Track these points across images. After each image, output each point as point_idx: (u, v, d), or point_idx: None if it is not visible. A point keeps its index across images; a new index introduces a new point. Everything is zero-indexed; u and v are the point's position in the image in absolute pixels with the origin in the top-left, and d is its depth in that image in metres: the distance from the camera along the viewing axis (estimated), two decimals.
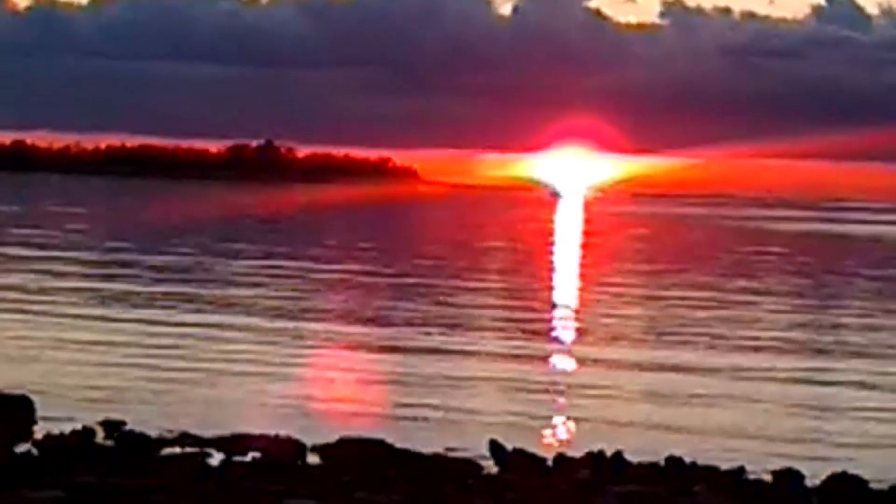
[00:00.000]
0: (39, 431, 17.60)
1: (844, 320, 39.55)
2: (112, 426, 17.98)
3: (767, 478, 16.39)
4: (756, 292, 47.83)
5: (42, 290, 40.46)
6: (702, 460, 17.05)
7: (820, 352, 31.31)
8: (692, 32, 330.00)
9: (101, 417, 18.31)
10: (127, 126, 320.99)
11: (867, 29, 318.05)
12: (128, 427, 17.98)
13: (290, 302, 38.61)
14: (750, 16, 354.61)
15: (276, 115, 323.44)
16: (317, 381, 23.88)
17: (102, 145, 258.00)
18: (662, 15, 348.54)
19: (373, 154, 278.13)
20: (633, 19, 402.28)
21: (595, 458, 16.99)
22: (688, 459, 17.00)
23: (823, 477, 16.25)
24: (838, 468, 16.58)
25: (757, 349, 30.15)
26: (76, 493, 12.75)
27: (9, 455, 16.22)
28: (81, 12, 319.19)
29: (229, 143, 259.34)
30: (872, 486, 15.93)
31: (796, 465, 16.73)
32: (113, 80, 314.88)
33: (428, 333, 31.45)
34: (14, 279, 44.25)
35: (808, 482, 16.18)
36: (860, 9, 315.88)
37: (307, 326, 32.62)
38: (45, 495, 12.65)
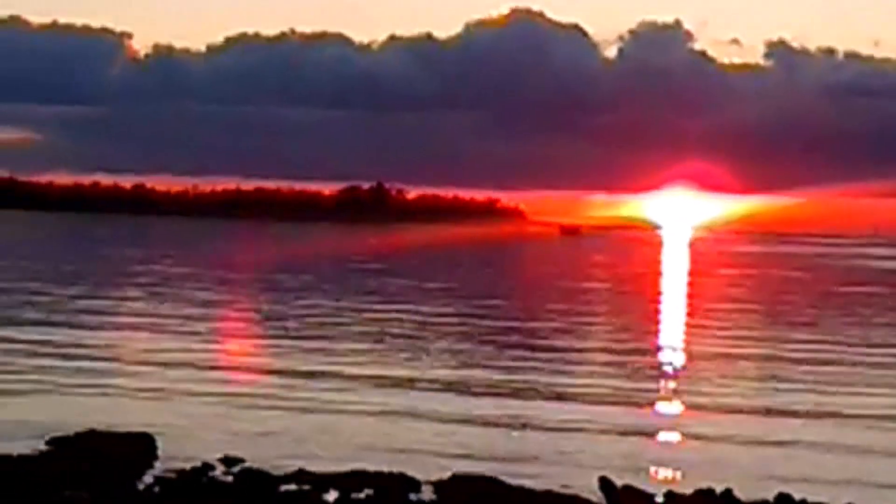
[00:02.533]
0: (161, 468, 17.77)
1: None
2: (231, 462, 18.11)
3: None
4: (862, 335, 47.33)
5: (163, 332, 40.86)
6: (811, 498, 16.94)
7: None
8: (796, 73, 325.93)
9: (220, 454, 18.46)
10: (242, 169, 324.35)
11: None
12: (246, 464, 18.11)
13: (400, 343, 38.66)
14: (854, 56, 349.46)
15: (386, 158, 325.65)
16: (425, 420, 23.94)
17: (219, 188, 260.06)
18: (767, 56, 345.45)
19: (481, 195, 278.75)
20: (737, 60, 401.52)
21: (705, 494, 16.92)
22: (797, 496, 16.92)
23: None
24: None
25: (861, 392, 29.85)
26: None
27: (132, 492, 16.44)
28: (197, 59, 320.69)
29: (341, 185, 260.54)
30: None
31: None
32: (228, 124, 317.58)
33: (536, 376, 31.40)
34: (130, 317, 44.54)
35: None
36: None
37: (415, 370, 32.61)
38: None
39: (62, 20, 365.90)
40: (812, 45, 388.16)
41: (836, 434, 23.35)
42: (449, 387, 28.38)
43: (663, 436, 22.95)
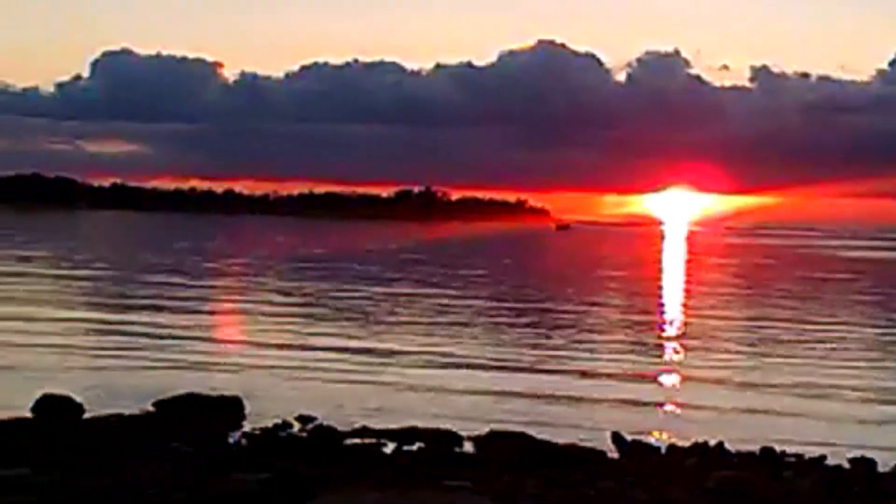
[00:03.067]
0: (248, 425, 17.84)
1: None
2: (306, 420, 18.17)
3: (846, 464, 16.22)
4: (830, 313, 47.07)
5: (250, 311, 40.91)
6: (790, 450, 16.91)
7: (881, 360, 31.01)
8: (776, 93, 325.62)
9: (296, 414, 18.52)
10: (314, 175, 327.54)
11: None
12: (318, 421, 18.15)
13: (442, 322, 38.79)
14: (824, 78, 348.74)
15: (433, 165, 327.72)
16: (463, 387, 23.96)
17: (294, 191, 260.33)
18: (752, 79, 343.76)
19: (512, 196, 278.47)
20: (727, 82, 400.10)
21: (701, 447, 16.96)
22: (779, 449, 16.90)
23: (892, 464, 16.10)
24: None
25: (833, 364, 29.65)
26: (280, 476, 12.86)
27: (224, 445, 16.47)
28: (277, 84, 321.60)
29: (396, 188, 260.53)
30: None
31: (869, 454, 16.56)
32: (302, 137, 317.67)
33: (554, 352, 31.33)
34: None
35: (880, 468, 16.00)
36: None
37: (456, 347, 32.58)
38: (254, 477, 12.77)
39: (165, 52, 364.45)
40: (790, 70, 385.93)
41: (811, 403, 23.19)
42: (482, 360, 28.34)
43: (665, 402, 22.93)
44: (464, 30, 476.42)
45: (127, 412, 17.79)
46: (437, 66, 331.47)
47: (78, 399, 18.03)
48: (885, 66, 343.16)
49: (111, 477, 12.98)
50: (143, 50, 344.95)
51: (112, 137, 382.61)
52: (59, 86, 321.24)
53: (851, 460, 16.26)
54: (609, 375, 25.87)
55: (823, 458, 16.47)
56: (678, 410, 21.62)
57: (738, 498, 12.85)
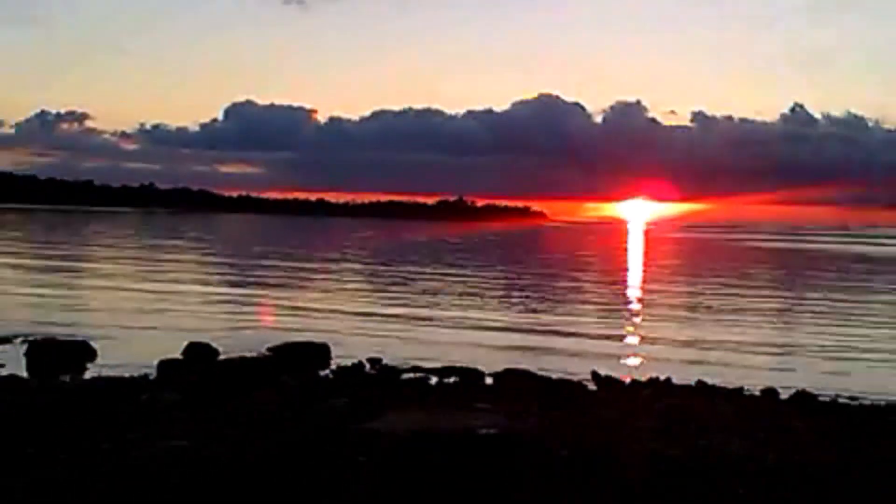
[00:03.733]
0: (334, 365, 17.83)
1: (805, 300, 38.71)
2: (374, 361, 18.17)
3: (757, 393, 16.16)
4: (753, 286, 46.95)
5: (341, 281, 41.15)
6: (719, 383, 16.84)
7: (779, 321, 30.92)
8: (708, 130, 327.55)
9: (367, 356, 18.54)
10: (381, 188, 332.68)
11: (815, 126, 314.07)
12: (383, 361, 18.17)
13: (466, 293, 38.75)
14: (743, 120, 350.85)
15: (463, 181, 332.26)
16: (485, 341, 23.96)
17: (367, 200, 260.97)
18: (691, 120, 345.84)
19: (520, 203, 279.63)
20: (674, 123, 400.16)
21: (654, 381, 16.92)
22: (710, 382, 16.83)
23: (790, 393, 16.03)
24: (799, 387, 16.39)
25: (747, 323, 29.70)
26: (357, 401, 12.86)
27: (318, 378, 16.48)
28: (355, 124, 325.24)
29: (438, 198, 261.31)
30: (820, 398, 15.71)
31: (774, 385, 16.56)
32: (372, 162, 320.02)
33: (543, 316, 31.34)
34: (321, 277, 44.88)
35: (781, 396, 15.97)
36: (810, 114, 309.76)
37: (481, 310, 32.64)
38: (339, 401, 12.77)
39: (277, 102, 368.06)
40: (719, 113, 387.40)
41: (730, 353, 23.13)
42: (496, 321, 28.39)
43: (628, 352, 22.88)
44: (486, 85, 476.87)
45: (249, 355, 17.82)
46: (468, 111, 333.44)
47: (214, 345, 18.10)
48: (786, 111, 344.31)
49: (240, 400, 13.04)
50: (260, 100, 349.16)
51: (239, 162, 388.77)
52: (202, 126, 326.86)
53: (762, 391, 16.24)
54: (588, 335, 25.81)
55: (741, 389, 16.40)
56: (638, 357, 21.50)
57: (680, 417, 12.73)
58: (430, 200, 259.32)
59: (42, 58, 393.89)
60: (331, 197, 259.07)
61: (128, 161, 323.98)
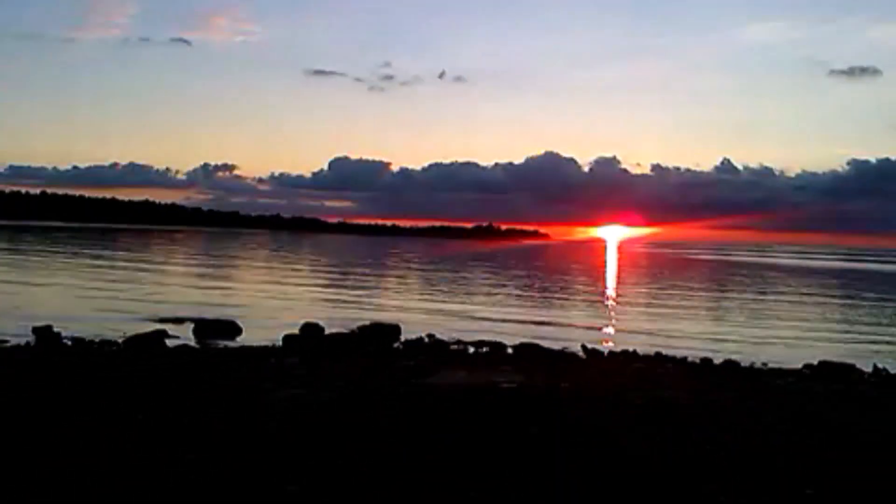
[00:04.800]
0: (402, 338, 17.88)
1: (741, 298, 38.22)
2: (430, 336, 18.18)
3: (697, 361, 16.02)
4: (693, 287, 46.45)
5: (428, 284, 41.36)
6: (671, 354, 16.72)
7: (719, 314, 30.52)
8: (664, 177, 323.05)
9: (426, 333, 18.57)
10: (434, 216, 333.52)
11: (738, 174, 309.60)
12: (436, 336, 18.17)
13: (493, 281, 38.79)
14: (687, 169, 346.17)
15: (493, 212, 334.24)
16: (506, 323, 23.88)
17: (425, 225, 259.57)
18: (652, 170, 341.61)
19: (531, 227, 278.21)
20: (639, 172, 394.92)
21: (625, 353, 16.82)
22: (664, 353, 16.71)
23: (720, 361, 15.90)
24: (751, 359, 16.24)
25: (696, 315, 29.32)
26: (419, 363, 12.95)
27: (391, 348, 16.51)
28: (417, 173, 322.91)
29: (473, 223, 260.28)
30: (742, 365, 15.55)
31: (735, 358, 16.37)
32: (428, 200, 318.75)
33: (550, 302, 31.21)
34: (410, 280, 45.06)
35: (715, 362, 15.84)
36: (735, 166, 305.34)
37: (507, 301, 32.54)
38: (407, 363, 12.87)
39: (364, 157, 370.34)
40: (671, 164, 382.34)
41: (680, 338, 22.93)
42: (512, 312, 28.28)
43: (606, 332, 22.74)
44: (508, 145, 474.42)
45: (345, 331, 17.94)
46: (496, 163, 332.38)
47: (322, 324, 18.23)
48: (718, 163, 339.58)
49: (342, 363, 13.16)
50: (353, 156, 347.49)
51: (338, 199, 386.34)
52: (313, 173, 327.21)
53: (701, 359, 16.10)
54: (578, 318, 25.83)
55: (685, 358, 16.27)
56: (614, 339, 21.33)
57: (644, 377, 12.71)
58: (469, 225, 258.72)
59: (205, 122, 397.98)
60: (400, 223, 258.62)
61: (262, 198, 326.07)
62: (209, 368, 11.94)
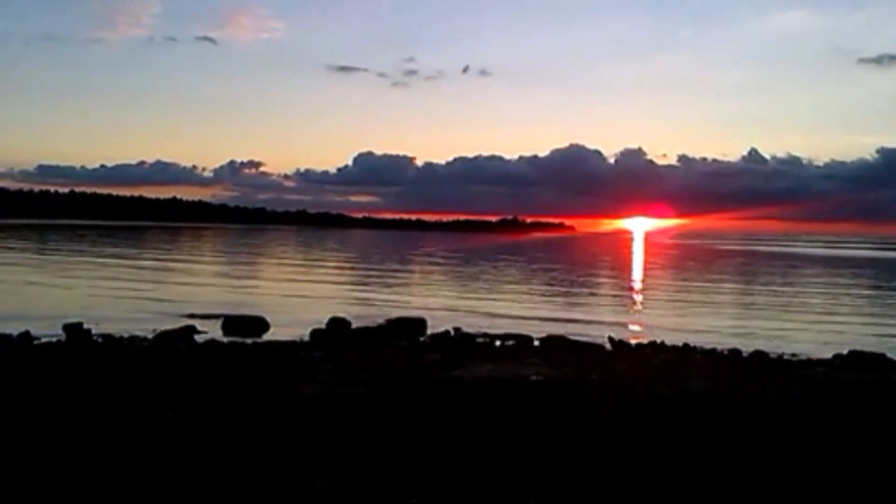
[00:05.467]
0: (429, 332, 17.90)
1: (767, 293, 37.80)
2: (457, 330, 18.16)
3: (726, 352, 15.91)
4: (721, 279, 46.06)
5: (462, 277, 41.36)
6: (699, 345, 16.62)
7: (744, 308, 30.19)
8: (690, 168, 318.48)
9: (452, 327, 18.57)
10: (460, 210, 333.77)
11: (765, 163, 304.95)
12: (462, 330, 18.15)
13: (519, 274, 38.68)
14: (714, 160, 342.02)
15: (518, 205, 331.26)
16: (529, 319, 23.83)
17: (450, 219, 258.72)
18: (678, 161, 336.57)
19: (555, 220, 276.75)
20: (665, 163, 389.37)
21: (653, 343, 16.74)
22: (692, 344, 16.62)
23: (749, 352, 15.75)
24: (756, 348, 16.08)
25: (721, 310, 29.07)
26: (445, 355, 12.95)
27: (419, 342, 16.53)
28: (443, 167, 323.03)
29: (499, 217, 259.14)
30: (770, 356, 15.39)
31: (763, 349, 16.23)
32: (457, 194, 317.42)
33: (576, 294, 31.08)
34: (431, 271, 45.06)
35: (744, 354, 15.71)
36: (762, 155, 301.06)
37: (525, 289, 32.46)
38: (433, 356, 12.88)
39: (390, 152, 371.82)
40: (697, 155, 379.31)
41: (710, 325, 22.77)
42: (538, 300, 28.20)
43: (633, 324, 22.65)
44: (533, 138, 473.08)
45: (374, 325, 18.01)
46: (520, 157, 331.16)
47: (348, 319, 18.31)
48: (745, 153, 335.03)
49: (368, 357, 13.21)
50: (377, 151, 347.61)
51: (362, 194, 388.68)
52: (338, 169, 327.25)
53: (729, 350, 15.97)
54: (605, 310, 25.75)
55: (714, 349, 16.17)
56: (641, 331, 21.17)
57: (672, 369, 12.63)
58: (494, 219, 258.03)
59: (231, 120, 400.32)
60: (425, 217, 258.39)
61: (287, 194, 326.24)
62: (238, 364, 12.03)
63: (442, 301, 26.86)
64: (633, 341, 17.48)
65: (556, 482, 6.08)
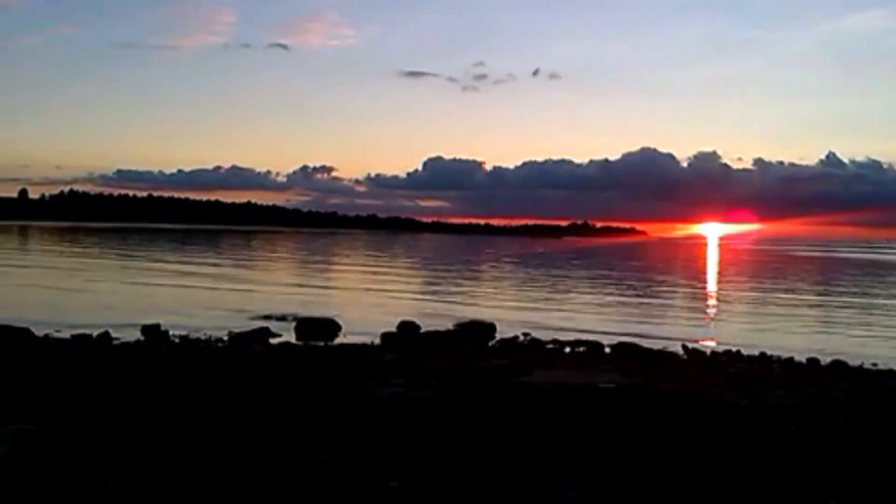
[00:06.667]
0: (497, 336, 17.82)
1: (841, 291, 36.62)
2: (526, 335, 18.07)
3: (804, 362, 15.44)
4: (798, 288, 44.78)
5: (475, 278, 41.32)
6: (776, 354, 16.18)
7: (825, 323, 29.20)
8: (766, 172, 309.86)
9: (522, 331, 18.45)
10: (529, 214, 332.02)
11: (844, 168, 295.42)
12: (531, 335, 18.03)
13: (589, 280, 38.19)
14: (791, 164, 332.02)
15: (588, 210, 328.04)
16: (597, 331, 23.55)
17: (519, 223, 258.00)
18: (754, 164, 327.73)
19: (626, 225, 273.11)
20: (740, 167, 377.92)
21: (728, 353, 16.29)
22: (769, 353, 16.18)
23: (828, 361, 15.26)
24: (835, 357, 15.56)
25: (793, 308, 28.20)
26: (513, 361, 12.90)
27: (485, 346, 16.45)
28: (511, 171, 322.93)
29: (568, 221, 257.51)
30: (850, 365, 14.90)
31: (842, 358, 15.69)
32: (523, 197, 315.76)
33: (649, 299, 30.56)
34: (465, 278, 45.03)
35: (822, 363, 15.23)
36: (840, 159, 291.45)
37: (600, 292, 32.10)
38: (501, 362, 12.83)
39: (459, 156, 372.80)
40: (774, 159, 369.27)
41: (785, 335, 22.21)
42: (609, 306, 27.90)
43: (708, 331, 22.20)
44: (604, 141, 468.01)
45: (443, 328, 18.06)
46: (591, 161, 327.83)
47: (418, 322, 18.40)
48: (822, 157, 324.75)
49: (438, 360, 13.26)
50: (446, 156, 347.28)
51: (432, 198, 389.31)
52: (408, 174, 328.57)
53: (807, 359, 15.51)
54: (678, 317, 25.31)
55: (791, 358, 15.70)
56: (716, 339, 20.73)
57: (748, 378, 12.33)
58: (564, 223, 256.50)
59: (303, 125, 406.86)
60: (494, 222, 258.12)
61: (359, 199, 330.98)
62: (311, 366, 12.21)
63: (511, 305, 26.78)
64: (708, 350, 17.12)
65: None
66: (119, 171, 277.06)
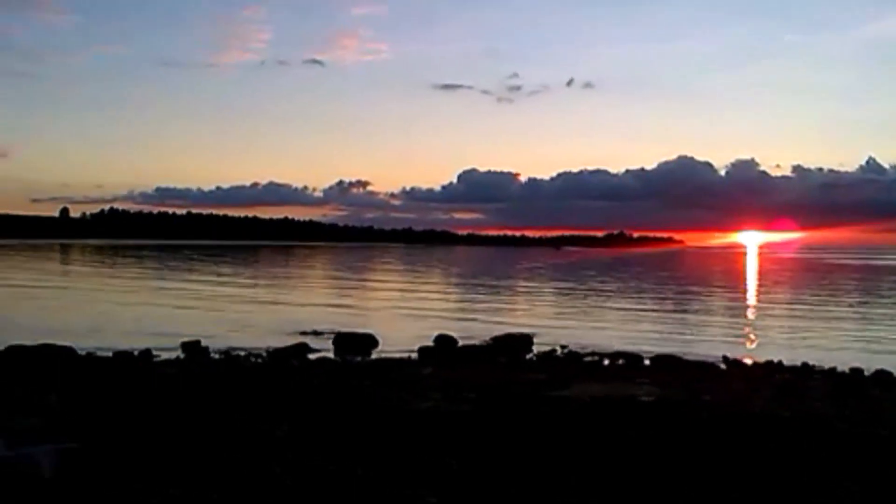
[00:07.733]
0: (535, 349, 17.78)
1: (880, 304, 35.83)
2: (563, 347, 17.98)
3: (847, 371, 15.18)
4: (832, 296, 43.95)
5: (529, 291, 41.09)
6: (818, 364, 15.92)
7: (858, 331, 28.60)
8: (805, 179, 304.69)
9: (562, 343, 18.39)
10: (563, 225, 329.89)
11: (884, 173, 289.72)
12: (569, 348, 17.95)
13: (619, 295, 37.88)
14: (831, 170, 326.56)
15: (624, 219, 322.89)
16: (638, 340, 23.36)
17: (553, 234, 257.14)
18: (793, 171, 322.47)
19: (664, 234, 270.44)
20: (779, 174, 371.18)
21: (770, 363, 16.12)
22: (811, 363, 15.93)
23: (871, 371, 14.95)
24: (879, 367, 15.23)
25: (834, 318, 27.67)
26: (551, 375, 12.82)
27: (522, 359, 16.44)
28: (545, 182, 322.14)
29: (604, 231, 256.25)
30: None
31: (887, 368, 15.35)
32: (557, 209, 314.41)
33: (688, 312, 30.21)
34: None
35: (866, 373, 14.93)
36: (881, 165, 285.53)
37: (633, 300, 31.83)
38: (537, 376, 12.76)
39: (492, 169, 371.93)
40: (813, 166, 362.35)
41: (830, 344, 21.80)
42: (647, 318, 27.66)
43: (748, 343, 21.89)
44: (640, 150, 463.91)
45: (480, 342, 18.06)
46: (626, 170, 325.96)
47: (455, 336, 18.42)
48: (863, 163, 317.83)
49: (475, 374, 13.25)
50: (481, 168, 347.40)
51: (466, 211, 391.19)
52: (443, 187, 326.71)
53: (850, 369, 15.25)
54: (718, 328, 25.03)
55: (834, 368, 15.45)
56: (757, 349, 20.45)
57: (788, 389, 12.14)
58: (600, 233, 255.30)
59: (339, 140, 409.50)
60: (529, 233, 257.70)
61: (394, 212, 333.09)
62: (350, 380, 12.27)
63: (548, 318, 26.66)
64: (749, 360, 16.90)
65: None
66: (158, 189, 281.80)
